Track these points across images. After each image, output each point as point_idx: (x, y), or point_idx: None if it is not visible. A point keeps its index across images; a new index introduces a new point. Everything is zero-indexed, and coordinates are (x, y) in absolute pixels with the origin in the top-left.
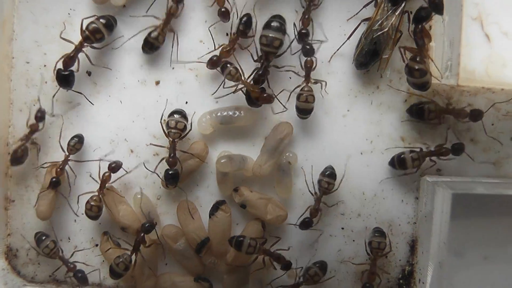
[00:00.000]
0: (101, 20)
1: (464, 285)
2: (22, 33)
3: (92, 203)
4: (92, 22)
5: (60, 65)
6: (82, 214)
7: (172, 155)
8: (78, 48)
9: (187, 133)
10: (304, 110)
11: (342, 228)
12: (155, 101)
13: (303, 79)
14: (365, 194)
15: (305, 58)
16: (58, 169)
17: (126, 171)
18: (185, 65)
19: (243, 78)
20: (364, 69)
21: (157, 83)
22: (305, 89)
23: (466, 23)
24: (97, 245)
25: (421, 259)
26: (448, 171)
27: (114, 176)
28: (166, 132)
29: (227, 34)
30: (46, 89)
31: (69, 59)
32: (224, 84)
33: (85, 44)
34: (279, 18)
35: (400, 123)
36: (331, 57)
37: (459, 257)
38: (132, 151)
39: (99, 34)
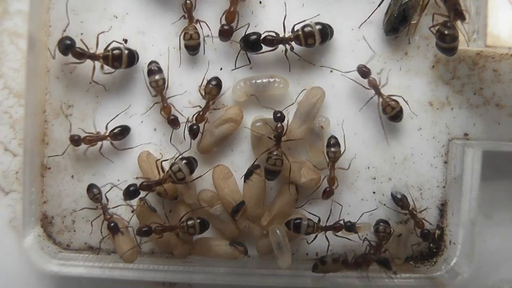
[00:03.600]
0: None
1: (495, 244)
2: (59, 1)
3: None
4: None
5: None
6: (119, 180)
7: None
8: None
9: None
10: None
11: (374, 192)
12: (190, 68)
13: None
14: (395, 158)
15: None
16: (108, 217)
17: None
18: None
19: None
20: (393, 34)
21: None
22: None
23: None
24: (133, 212)
25: (451, 221)
26: (475, 135)
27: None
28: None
29: None
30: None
31: None
32: None
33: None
34: None
35: (428, 88)
36: (361, 24)
37: (488, 218)
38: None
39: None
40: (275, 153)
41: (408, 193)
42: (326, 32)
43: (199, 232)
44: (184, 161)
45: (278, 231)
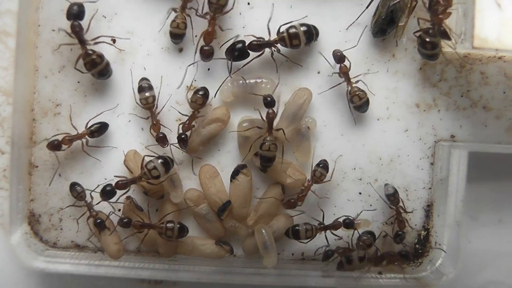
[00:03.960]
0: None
1: (480, 245)
2: (48, 1)
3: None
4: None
5: None
6: (106, 178)
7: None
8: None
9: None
10: None
11: (360, 193)
12: (178, 68)
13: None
14: (381, 159)
15: None
16: (94, 214)
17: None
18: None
19: None
20: (381, 36)
21: (181, 50)
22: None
23: None
24: (119, 210)
25: (437, 222)
26: (462, 137)
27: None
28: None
29: None
30: (71, 56)
31: None
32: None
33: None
34: None
35: (415, 90)
36: (349, 26)
37: (474, 220)
38: None
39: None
40: (268, 138)
41: None
42: (311, 33)
43: (177, 237)
44: (159, 160)
45: (264, 231)
